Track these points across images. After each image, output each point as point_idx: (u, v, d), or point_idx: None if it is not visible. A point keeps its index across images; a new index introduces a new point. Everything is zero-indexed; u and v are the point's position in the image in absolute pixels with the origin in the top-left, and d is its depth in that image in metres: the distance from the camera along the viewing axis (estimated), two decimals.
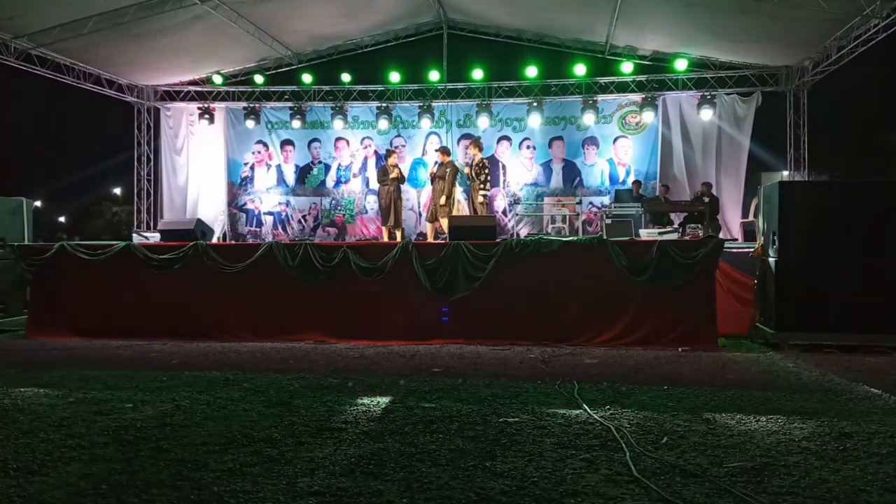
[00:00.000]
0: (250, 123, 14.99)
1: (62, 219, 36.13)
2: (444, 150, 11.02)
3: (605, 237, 7.50)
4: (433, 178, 10.79)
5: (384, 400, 4.39)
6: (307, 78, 14.62)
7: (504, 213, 14.25)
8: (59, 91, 14.02)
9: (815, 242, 6.44)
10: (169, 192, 15.54)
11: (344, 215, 15.15)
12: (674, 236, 8.47)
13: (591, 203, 14.15)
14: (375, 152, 15.00)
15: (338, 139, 15.18)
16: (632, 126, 14.18)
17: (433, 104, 14.53)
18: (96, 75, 13.75)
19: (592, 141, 14.30)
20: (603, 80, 14.07)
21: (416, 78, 14.69)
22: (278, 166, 15.39)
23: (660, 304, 6.60)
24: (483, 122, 14.17)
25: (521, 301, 6.84)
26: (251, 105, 15.04)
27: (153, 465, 3.09)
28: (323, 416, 3.95)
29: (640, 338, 6.58)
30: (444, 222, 9.54)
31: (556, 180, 14.45)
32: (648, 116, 13.74)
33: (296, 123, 14.86)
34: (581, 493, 2.74)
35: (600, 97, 14.05)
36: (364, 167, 15.10)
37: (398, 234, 11.05)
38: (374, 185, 13.94)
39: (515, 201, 14.19)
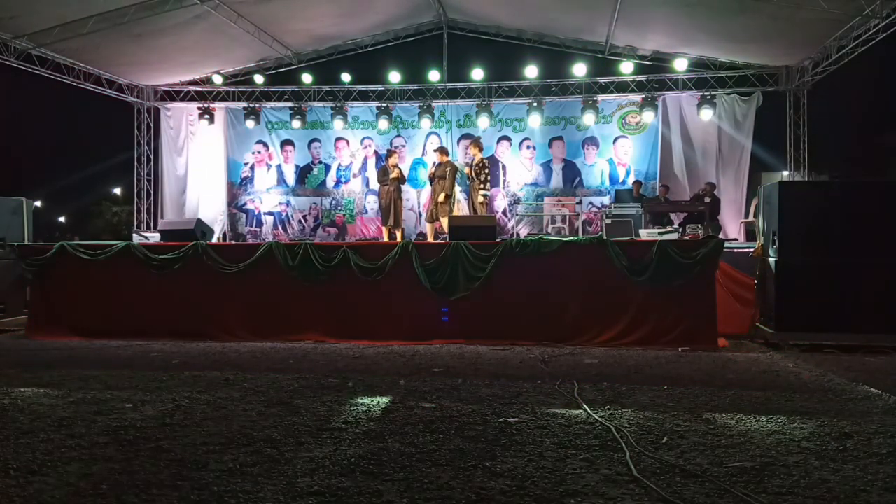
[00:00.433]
0: (250, 123, 14.99)
1: (62, 219, 36.14)
2: (443, 150, 11.03)
3: (605, 237, 7.51)
4: (432, 178, 10.79)
5: (384, 400, 4.38)
6: (307, 78, 14.63)
7: (504, 213, 14.25)
8: (59, 91, 14.04)
9: (815, 242, 6.43)
10: (169, 193, 15.54)
11: (344, 215, 15.15)
12: (674, 236, 8.48)
13: (591, 203, 14.15)
14: (375, 152, 15.01)
15: (338, 139, 15.19)
16: (632, 126, 14.18)
17: (433, 104, 14.53)
18: (96, 75, 13.75)
19: (592, 141, 14.31)
20: (603, 80, 14.08)
21: (416, 78, 14.70)
22: (278, 166, 15.40)
23: (660, 304, 6.60)
24: (483, 122, 14.18)
25: (521, 301, 6.83)
26: (251, 105, 15.05)
27: (153, 465, 3.09)
28: (323, 416, 3.95)
29: (640, 338, 6.57)
30: (445, 222, 9.54)
31: (556, 180, 14.45)
32: (648, 116, 13.75)
33: (296, 123, 14.86)
34: (581, 493, 2.74)
35: (600, 97, 14.05)
36: (364, 167, 15.11)
37: (398, 234, 11.05)
38: (374, 185, 13.95)
39: (515, 201, 14.19)
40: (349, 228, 15.09)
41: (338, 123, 14.74)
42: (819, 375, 5.24)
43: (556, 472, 2.98)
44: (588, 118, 13.83)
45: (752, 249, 7.45)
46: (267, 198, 15.41)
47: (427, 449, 3.31)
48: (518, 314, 6.82)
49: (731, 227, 13.21)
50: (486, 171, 10.78)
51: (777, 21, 10.61)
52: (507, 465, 3.07)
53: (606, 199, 13.92)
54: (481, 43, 14.40)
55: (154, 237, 9.54)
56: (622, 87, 14.04)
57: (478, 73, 14.11)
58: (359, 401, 4.36)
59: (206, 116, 14.94)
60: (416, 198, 14.64)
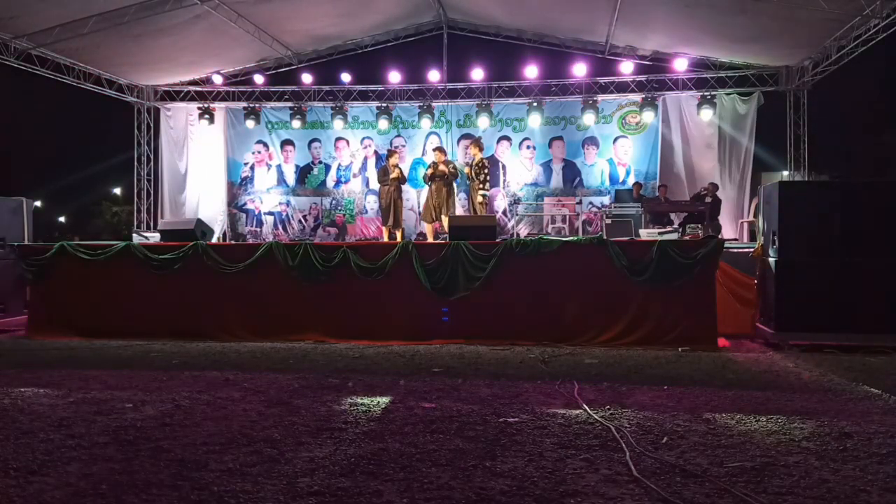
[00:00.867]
0: (250, 123, 14.99)
1: (62, 219, 36.13)
2: (440, 150, 11.09)
3: (605, 237, 7.51)
4: (431, 177, 10.76)
5: (384, 400, 4.39)
6: (307, 78, 14.63)
7: (504, 213, 14.25)
8: (59, 91, 14.04)
9: (815, 242, 6.43)
10: (169, 193, 15.54)
11: (344, 215, 15.15)
12: (674, 236, 8.47)
13: (591, 203, 14.15)
14: (375, 152, 15.01)
15: (338, 139, 15.19)
16: (632, 126, 14.18)
17: (433, 104, 14.53)
18: (96, 75, 13.75)
19: (592, 141, 14.31)
20: (603, 80, 14.07)
21: (416, 78, 14.69)
22: (278, 166, 15.40)
23: (660, 304, 6.60)
24: (483, 122, 14.18)
25: (521, 301, 6.83)
26: (251, 105, 15.05)
27: (153, 465, 3.09)
28: (323, 416, 3.95)
29: (640, 338, 6.57)
30: (446, 221, 9.54)
31: (556, 180, 14.45)
32: (648, 116, 13.74)
33: (296, 123, 14.86)
34: (581, 493, 2.74)
35: (600, 97, 14.05)
36: (364, 167, 15.10)
37: (398, 234, 11.05)
38: (375, 185, 13.95)
39: (515, 201, 14.19)
40: (349, 228, 15.09)
41: (338, 123, 14.74)
42: (819, 375, 5.24)
43: (556, 472, 2.98)
44: (588, 118, 13.83)
45: (752, 249, 7.45)
46: (267, 198, 15.41)
47: (427, 449, 3.31)
48: (518, 314, 6.82)
49: (731, 227, 13.21)
50: (486, 171, 10.78)
51: (777, 21, 10.61)
52: (507, 465, 3.07)
53: (606, 199, 13.92)
54: (481, 43, 14.41)
55: (154, 237, 9.53)
56: (622, 87, 14.04)
57: (478, 73, 14.11)
58: (359, 401, 4.36)
59: (206, 116, 14.93)
60: (416, 198, 14.63)
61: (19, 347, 6.84)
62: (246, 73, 14.91)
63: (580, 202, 13.74)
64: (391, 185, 10.93)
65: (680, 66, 13.21)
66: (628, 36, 13.04)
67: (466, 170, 11.23)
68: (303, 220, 15.27)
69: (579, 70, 13.65)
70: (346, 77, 14.57)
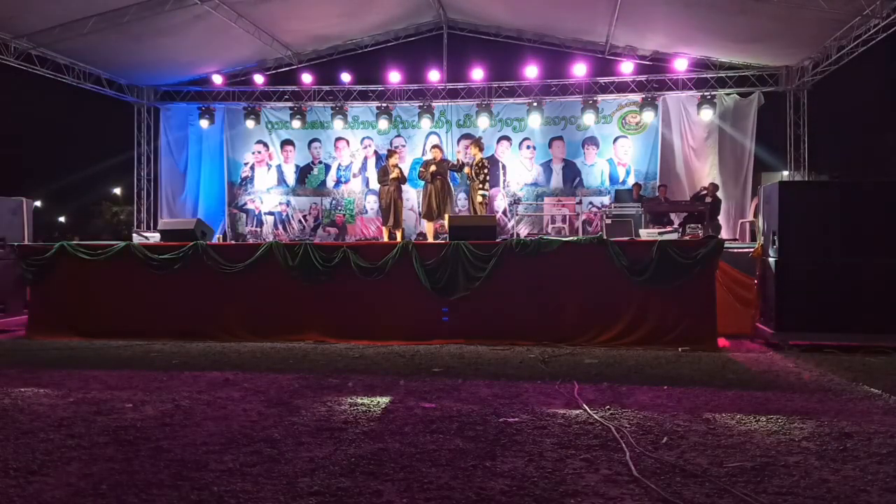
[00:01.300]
0: (250, 123, 15.00)
1: (62, 219, 36.11)
2: (437, 148, 11.13)
3: (605, 237, 7.50)
4: (434, 176, 10.71)
5: (384, 400, 4.39)
6: (307, 78, 14.63)
7: (504, 213, 14.25)
8: (59, 91, 14.04)
9: (815, 242, 6.43)
10: (169, 193, 15.55)
11: (344, 215, 15.16)
12: (674, 236, 8.48)
13: (591, 203, 14.15)
14: (375, 152, 15.01)
15: (338, 139, 15.19)
16: (632, 126, 14.18)
17: (433, 104, 14.53)
18: (96, 75, 13.75)
19: (592, 141, 14.31)
20: (603, 80, 14.08)
21: (416, 78, 14.69)
22: (278, 166, 15.40)
23: (660, 304, 6.60)
24: (483, 122, 14.18)
25: (521, 301, 6.83)
26: (251, 105, 15.05)
27: (153, 465, 3.09)
28: (323, 416, 3.95)
29: (640, 338, 6.57)
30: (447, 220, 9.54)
31: (556, 180, 14.46)
32: (648, 116, 13.75)
33: (296, 123, 14.87)
34: (581, 493, 2.74)
35: (600, 97, 14.05)
36: (364, 167, 15.11)
37: (398, 234, 11.05)
38: (375, 185, 13.96)
39: (515, 201, 14.19)
40: (349, 228, 15.09)
41: (338, 123, 14.74)
42: (819, 375, 5.24)
43: (556, 472, 2.98)
44: (588, 118, 13.83)
45: (752, 249, 7.45)
46: (267, 198, 15.41)
47: (427, 449, 3.31)
48: (518, 314, 6.82)
49: (731, 227, 13.21)
50: (486, 171, 10.77)
51: (777, 21, 10.61)
52: (507, 465, 3.07)
53: (606, 199, 13.92)
54: (481, 43, 14.41)
55: (154, 237, 9.52)
56: (622, 87, 14.04)
57: (478, 73, 14.11)
58: (359, 401, 4.36)
59: (206, 116, 14.94)
60: (416, 198, 14.61)
61: (19, 347, 6.84)
62: (246, 73, 14.91)
63: (580, 202, 13.75)
64: (391, 185, 10.93)
65: (680, 66, 13.22)
66: (628, 36, 13.04)
67: (467, 170, 11.23)
68: (303, 220, 15.28)
69: (579, 70, 13.66)
70: (346, 77, 14.57)
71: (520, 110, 14.46)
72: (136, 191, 15.71)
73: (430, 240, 10.64)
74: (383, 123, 14.63)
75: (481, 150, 11.17)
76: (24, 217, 9.01)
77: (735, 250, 7.99)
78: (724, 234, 12.18)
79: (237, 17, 11.97)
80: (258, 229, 15.25)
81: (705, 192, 12.52)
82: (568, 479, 2.90)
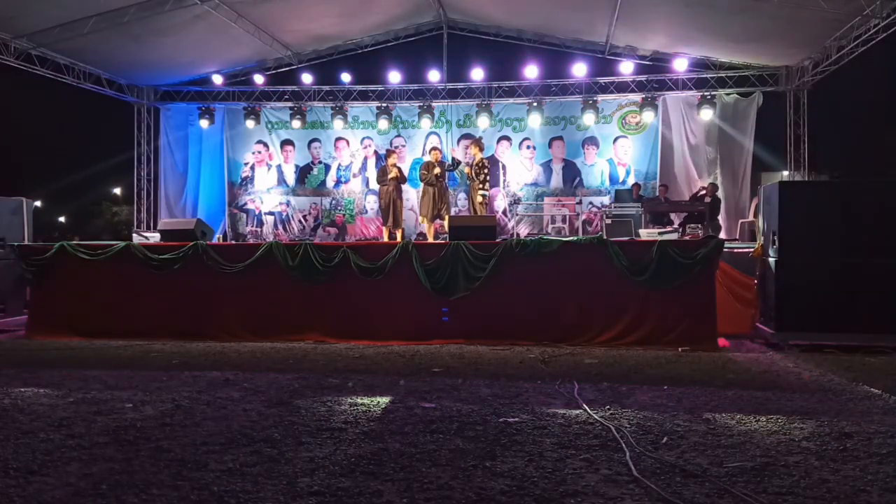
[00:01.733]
0: (250, 123, 15.00)
1: (62, 219, 36.11)
2: (437, 149, 11.13)
3: (605, 237, 7.50)
4: (437, 178, 10.69)
5: (384, 400, 4.38)
6: (307, 78, 14.64)
7: (504, 213, 14.26)
8: (59, 91, 14.04)
9: (815, 242, 6.42)
10: (169, 193, 15.55)
11: (344, 215, 15.16)
12: (674, 236, 8.48)
13: (591, 203, 14.16)
14: (375, 152, 15.02)
15: (338, 139, 15.20)
16: (632, 126, 14.19)
17: (433, 104, 14.54)
18: (96, 75, 13.76)
19: (592, 141, 14.32)
20: (603, 80, 14.09)
21: (416, 78, 14.70)
22: (278, 166, 15.41)
23: (660, 304, 6.60)
24: (483, 122, 14.18)
25: (521, 301, 6.83)
26: (251, 105, 15.06)
27: (153, 465, 3.09)
28: (323, 416, 3.95)
29: (640, 338, 6.57)
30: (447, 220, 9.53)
31: (556, 180, 14.46)
32: (648, 116, 13.75)
33: (296, 123, 14.87)
34: (581, 493, 2.74)
35: (600, 97, 14.06)
36: (364, 167, 15.11)
37: (398, 235, 11.05)
38: (375, 185, 13.95)
39: (515, 201, 14.20)
40: (349, 228, 15.10)
41: (338, 123, 14.75)
42: (819, 375, 5.24)
43: (556, 472, 2.98)
44: (588, 118, 13.84)
45: (752, 249, 7.45)
46: (267, 198, 15.42)
47: (427, 449, 3.31)
48: (518, 314, 6.81)
49: (731, 227, 13.20)
50: (486, 171, 10.77)
51: (777, 21, 10.61)
52: (507, 465, 3.07)
53: (606, 199, 13.93)
54: (481, 43, 14.42)
55: (154, 237, 9.53)
56: (622, 87, 14.04)
57: (478, 73, 14.12)
58: (359, 401, 4.36)
59: (206, 116, 14.94)
60: (416, 198, 14.61)
61: (19, 347, 6.83)
62: (246, 73, 14.92)
63: (580, 202, 13.75)
64: (390, 185, 10.93)
65: (680, 66, 13.22)
66: (628, 36, 13.04)
67: (467, 170, 11.22)
68: (303, 220, 15.28)
69: (579, 70, 13.66)
70: (346, 77, 14.58)
71: (520, 110, 14.47)
72: (136, 191, 15.71)
73: (430, 240, 10.63)
74: (383, 123, 14.63)
75: (481, 150, 11.17)
76: (24, 217, 9.01)
77: (735, 250, 7.99)
78: (723, 234, 12.18)
79: (237, 17, 11.97)
80: (258, 229, 15.26)
81: (704, 191, 12.53)
82: (568, 479, 2.90)
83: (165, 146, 15.56)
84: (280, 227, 15.27)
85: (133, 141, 15.56)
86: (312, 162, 15.34)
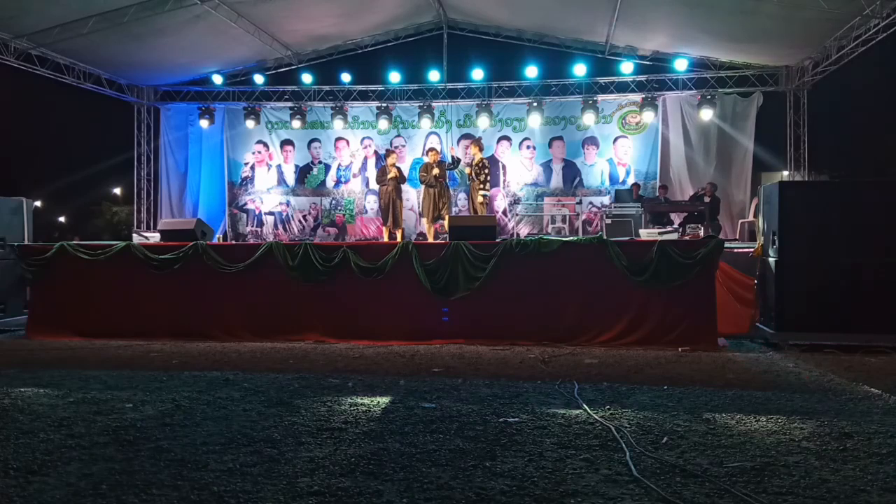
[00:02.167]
0: (250, 123, 15.00)
1: (62, 219, 36.10)
2: (433, 151, 11.11)
3: (605, 237, 7.50)
4: (436, 178, 10.69)
5: (384, 400, 4.39)
6: (307, 78, 14.64)
7: (504, 213, 14.25)
8: (59, 91, 14.05)
9: (815, 242, 6.43)
10: (169, 193, 15.55)
11: (344, 215, 15.16)
12: (674, 236, 8.48)
13: (591, 203, 14.15)
14: (375, 152, 15.01)
15: (338, 139, 15.19)
16: (632, 126, 14.18)
17: (433, 104, 14.53)
18: (96, 75, 13.76)
19: (592, 141, 14.31)
20: (603, 80, 14.08)
21: (416, 78, 14.70)
22: (279, 166, 15.41)
23: (660, 304, 6.60)
24: (483, 122, 14.18)
25: (521, 301, 6.83)
26: (251, 105, 15.05)
27: (153, 465, 3.09)
28: (323, 416, 3.95)
29: (640, 338, 6.57)
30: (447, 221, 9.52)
31: (556, 180, 14.46)
32: (648, 116, 13.75)
33: (296, 123, 14.86)
34: (581, 493, 2.74)
35: (600, 97, 14.05)
36: (364, 167, 15.11)
37: (398, 234, 11.05)
38: (374, 185, 13.95)
39: (515, 201, 14.19)
40: (349, 228, 15.09)
41: (338, 123, 14.74)
42: (819, 375, 5.24)
43: (556, 472, 2.98)
44: (588, 118, 13.83)
45: (752, 249, 7.45)
46: (267, 198, 15.41)
47: (427, 449, 3.31)
48: (518, 314, 6.81)
49: (731, 227, 13.20)
50: (487, 171, 10.77)
51: (777, 21, 10.61)
52: (507, 465, 3.07)
53: (606, 199, 13.92)
54: (481, 43, 14.41)
55: (154, 237, 9.53)
56: (622, 87, 14.04)
57: (478, 73, 14.12)
58: (359, 401, 4.36)
59: (206, 116, 14.94)
60: (416, 198, 14.62)
61: (19, 347, 6.84)
62: (246, 73, 14.92)
63: (580, 202, 13.75)
64: (389, 186, 10.93)
65: (680, 66, 13.21)
66: (628, 36, 13.03)
67: (467, 170, 11.22)
68: (302, 220, 15.28)
69: (579, 70, 13.66)
70: (346, 77, 14.58)
71: (520, 110, 14.46)
72: (136, 191, 15.71)
73: (430, 240, 10.64)
74: (383, 123, 14.63)
75: (481, 150, 11.17)
76: (24, 217, 9.01)
77: (735, 250, 7.99)
78: (723, 234, 12.18)
79: (237, 17, 11.97)
80: (259, 229, 15.26)
81: (703, 192, 12.53)
82: (568, 479, 2.90)
83: (165, 146, 15.55)
84: (280, 227, 15.27)
85: (133, 141, 15.56)
86: (312, 162, 15.33)
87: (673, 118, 13.97)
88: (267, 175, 15.46)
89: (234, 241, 13.57)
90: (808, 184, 10.49)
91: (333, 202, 15.22)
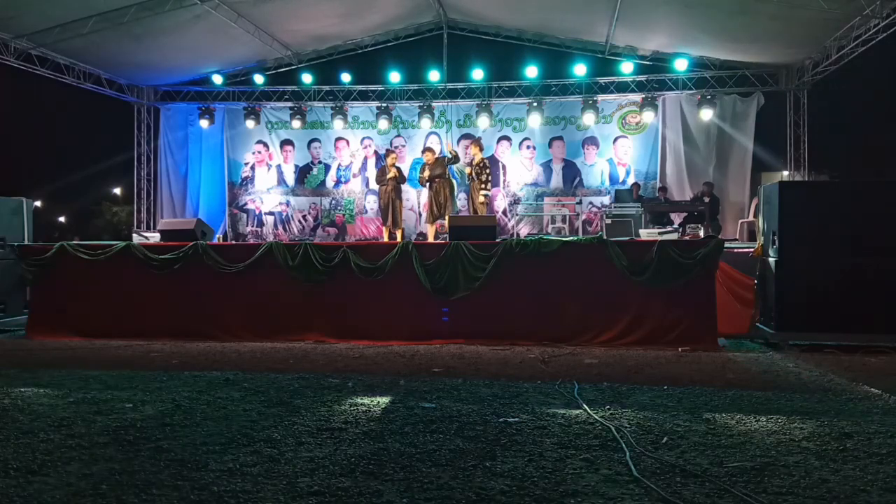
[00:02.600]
0: (250, 123, 14.99)
1: (62, 219, 36.11)
2: (429, 150, 11.10)
3: (605, 237, 7.50)
4: (430, 180, 10.72)
5: (384, 400, 4.39)
6: (307, 78, 14.63)
7: (504, 213, 14.25)
8: (59, 91, 14.05)
9: (815, 242, 6.43)
10: (169, 192, 15.55)
11: (344, 215, 15.16)
12: (674, 236, 8.47)
13: (591, 203, 14.15)
14: (375, 152, 15.01)
15: (338, 139, 15.19)
16: (632, 126, 14.18)
17: (433, 104, 14.53)
18: (96, 75, 13.76)
19: (592, 141, 14.31)
20: (603, 80, 14.08)
21: (416, 78, 14.69)
22: (278, 166, 15.40)
23: (660, 304, 6.60)
24: (483, 122, 14.18)
25: (521, 301, 6.83)
26: (251, 105, 15.05)
27: (153, 465, 3.09)
28: (323, 416, 3.95)
29: (640, 338, 6.57)
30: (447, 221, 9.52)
31: (556, 180, 14.46)
32: (648, 116, 13.74)
33: (296, 123, 14.86)
34: (581, 493, 2.74)
35: (600, 97, 14.05)
36: (364, 167, 15.11)
37: (398, 235, 11.05)
38: (374, 185, 13.95)
39: (515, 201, 14.19)
40: (349, 228, 15.09)
41: (338, 123, 14.74)
42: (819, 375, 5.24)
43: (556, 472, 2.98)
44: (588, 118, 13.83)
45: (752, 249, 7.45)
46: (268, 198, 15.41)
47: (427, 449, 3.31)
48: (518, 314, 6.81)
49: (731, 227, 13.20)
50: (487, 171, 10.77)
51: (777, 21, 10.61)
52: (507, 465, 3.07)
53: (606, 199, 13.92)
54: (481, 43, 14.40)
55: (154, 237, 9.53)
56: (622, 87, 14.04)
57: (478, 73, 14.11)
58: (359, 401, 4.36)
59: (206, 116, 14.94)
60: (416, 198, 14.63)
61: (19, 347, 6.84)
62: (246, 73, 14.91)
63: (580, 202, 13.74)
64: (388, 185, 10.94)
65: (680, 66, 13.21)
66: (628, 36, 13.03)
67: (467, 170, 11.21)
68: (302, 221, 15.28)
69: (579, 70, 13.65)
70: (346, 77, 14.57)
71: (520, 110, 14.46)
72: (136, 191, 15.71)
73: (431, 240, 10.64)
74: (383, 123, 14.63)
75: (481, 150, 11.17)
76: (24, 217, 9.00)
77: (735, 250, 7.99)
78: (723, 234, 12.17)
79: (237, 17, 11.97)
80: (259, 229, 15.26)
81: (701, 192, 12.54)
82: (568, 479, 2.90)
83: (165, 146, 15.55)
84: (280, 227, 15.27)
85: (133, 141, 15.56)
86: (312, 162, 15.33)
87: (673, 118, 13.97)
88: (267, 175, 15.45)
89: (234, 241, 13.57)
90: (808, 184, 10.48)
91: (333, 202, 15.21)
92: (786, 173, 13.77)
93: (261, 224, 15.33)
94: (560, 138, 14.45)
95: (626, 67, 13.57)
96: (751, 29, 11.23)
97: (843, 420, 3.85)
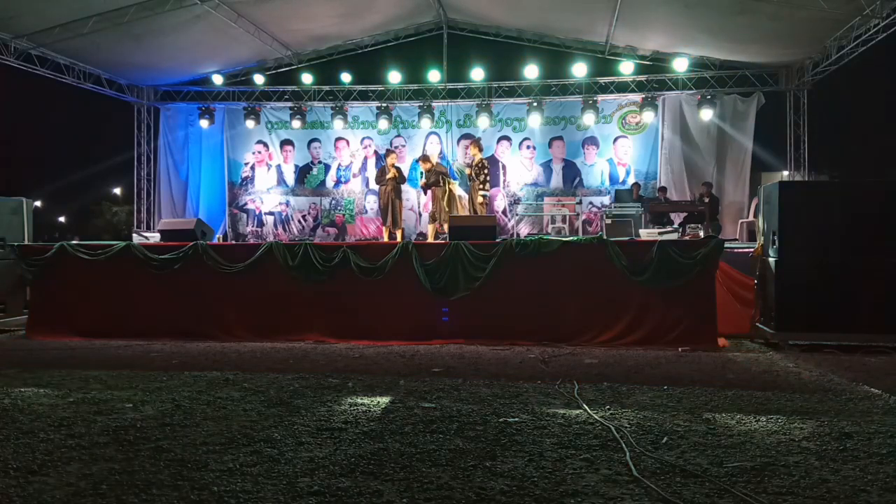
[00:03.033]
0: (250, 123, 14.99)
1: (62, 219, 36.12)
2: (424, 158, 11.04)
3: (605, 237, 7.50)
4: (427, 187, 10.77)
5: (384, 400, 4.39)
6: (307, 78, 14.63)
7: (504, 213, 14.25)
8: (59, 91, 14.05)
9: (815, 242, 6.43)
10: (169, 193, 15.55)
11: (344, 215, 15.16)
12: (674, 236, 8.47)
13: (591, 203, 14.15)
14: (375, 152, 15.01)
15: (338, 139, 15.19)
16: (632, 126, 14.18)
17: (433, 104, 14.53)
18: (96, 75, 13.76)
19: (592, 141, 14.31)
20: (603, 80, 14.08)
21: (416, 78, 14.69)
22: (278, 166, 15.40)
23: (660, 304, 6.60)
24: (483, 122, 14.18)
25: (521, 301, 6.83)
26: (251, 105, 15.05)
27: (153, 465, 3.09)
28: (323, 416, 3.95)
29: (640, 338, 6.57)
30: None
31: (556, 180, 14.46)
32: (648, 116, 13.75)
33: (296, 123, 14.86)
34: (581, 493, 2.74)
35: (600, 97, 14.05)
36: (364, 167, 15.11)
37: (398, 235, 11.05)
38: (374, 185, 13.95)
39: (515, 201, 14.19)
40: (349, 228, 15.10)
41: (338, 123, 14.74)
42: (819, 375, 5.24)
43: (556, 472, 2.98)
44: (588, 118, 13.83)
45: (752, 249, 7.45)
46: (268, 198, 15.41)
47: (427, 449, 3.31)
48: (518, 314, 6.81)
49: (731, 227, 13.20)
50: (486, 171, 10.77)
51: (777, 21, 10.61)
52: (507, 465, 3.07)
53: (606, 199, 13.92)
54: (481, 43, 14.40)
55: (154, 237, 9.54)
56: (622, 87, 14.04)
57: (478, 73, 14.11)
58: (359, 401, 4.36)
59: (206, 116, 14.94)
60: (416, 198, 14.63)
61: (19, 347, 6.84)
62: (246, 73, 14.92)
63: (580, 202, 13.74)
64: (388, 186, 10.94)
65: (680, 66, 13.20)
66: (628, 36, 13.03)
67: (467, 170, 11.21)
68: (302, 221, 15.28)
69: (579, 70, 13.64)
70: (346, 77, 14.57)
71: (520, 110, 14.46)
72: (136, 191, 15.71)
73: (431, 240, 10.63)
74: (383, 123, 14.63)
75: (481, 150, 11.17)
76: (24, 217, 9.01)
77: (735, 250, 7.99)
78: (723, 234, 12.18)
79: (237, 17, 11.97)
80: (259, 229, 15.26)
81: (700, 193, 12.55)
82: (568, 479, 2.90)
83: (165, 146, 15.55)
84: (280, 227, 15.27)
85: (133, 141, 15.56)
86: (312, 162, 15.33)
87: (673, 118, 13.97)
88: (267, 175, 15.45)
89: (234, 241, 13.57)
90: (808, 184, 10.48)
91: (333, 202, 15.21)
92: (786, 173, 13.77)
93: (261, 224, 15.33)
94: (560, 138, 14.46)
95: (626, 67, 13.57)
96: (751, 29, 11.23)
97: (843, 420, 3.85)
